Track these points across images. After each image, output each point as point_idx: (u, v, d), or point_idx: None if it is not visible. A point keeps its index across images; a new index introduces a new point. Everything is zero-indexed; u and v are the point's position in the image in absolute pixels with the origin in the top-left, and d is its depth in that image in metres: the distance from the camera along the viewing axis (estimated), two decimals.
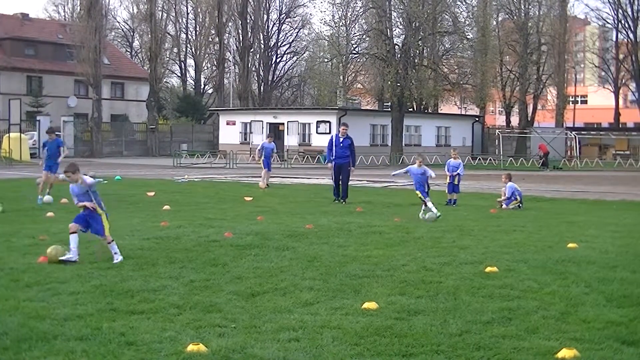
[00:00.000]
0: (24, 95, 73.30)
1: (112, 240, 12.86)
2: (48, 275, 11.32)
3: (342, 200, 24.79)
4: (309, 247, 14.40)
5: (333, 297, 10.15)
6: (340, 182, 25.11)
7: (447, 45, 76.92)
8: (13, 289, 10.42)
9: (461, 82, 78.85)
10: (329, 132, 57.80)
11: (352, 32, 77.68)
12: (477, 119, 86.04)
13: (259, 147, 33.70)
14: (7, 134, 60.99)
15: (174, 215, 20.31)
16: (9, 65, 78.23)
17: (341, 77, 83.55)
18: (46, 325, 8.47)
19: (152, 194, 27.21)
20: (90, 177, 12.96)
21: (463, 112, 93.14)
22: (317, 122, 67.21)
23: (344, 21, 76.23)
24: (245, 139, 71.57)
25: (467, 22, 76.42)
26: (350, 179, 25.73)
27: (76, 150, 67.76)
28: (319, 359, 7.44)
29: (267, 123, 69.69)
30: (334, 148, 25.07)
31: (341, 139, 25.09)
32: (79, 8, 74.59)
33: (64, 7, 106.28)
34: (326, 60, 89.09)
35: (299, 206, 23.55)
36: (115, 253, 12.69)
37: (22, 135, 60.19)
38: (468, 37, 76.19)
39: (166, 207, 22.43)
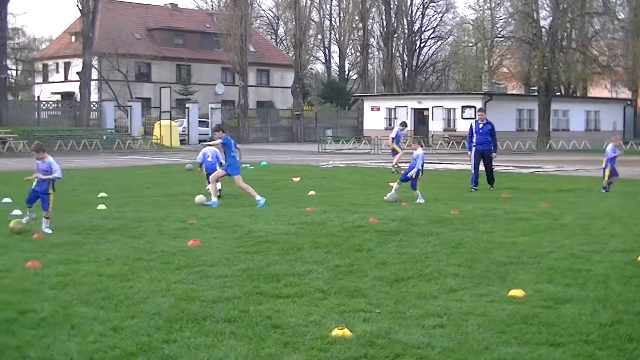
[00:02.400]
0: (174, 84, 75.34)
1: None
2: (197, 258, 11.62)
3: (489, 187, 24.29)
4: (453, 233, 14.26)
5: (478, 283, 10.04)
6: (479, 170, 24.51)
7: (596, 27, 74.57)
8: (164, 271, 10.75)
9: (611, 65, 76.30)
10: (475, 118, 57.00)
11: (497, 16, 76.50)
12: (629, 102, 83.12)
13: (393, 135, 33.77)
14: (159, 121, 62.86)
15: (319, 200, 20.48)
16: (160, 55, 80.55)
17: (486, 62, 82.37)
18: (196, 306, 8.70)
19: (297, 179, 27.53)
20: None
21: (614, 96, 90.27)
22: (462, 107, 66.41)
23: (488, 4, 75.13)
24: (390, 125, 71.51)
25: (619, 2, 73.88)
26: (493, 164, 25.19)
27: None
28: (464, 345, 7.36)
29: (411, 108, 69.31)
30: (474, 135, 24.57)
31: (481, 125, 24.54)
32: None
33: None
34: (471, 44, 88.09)
35: (443, 192, 23.36)
36: (46, 227, 14.60)
37: (172, 122, 61.90)
38: (619, 17, 73.67)
39: (311, 192, 22.64)
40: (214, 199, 19.80)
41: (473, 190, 23.71)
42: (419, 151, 20.76)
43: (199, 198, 20.24)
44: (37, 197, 14.87)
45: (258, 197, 19.57)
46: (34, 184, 14.89)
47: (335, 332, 7.60)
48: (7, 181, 26.57)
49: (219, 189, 21.09)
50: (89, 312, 8.46)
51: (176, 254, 11.95)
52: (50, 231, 14.47)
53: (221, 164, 22.47)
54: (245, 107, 74.05)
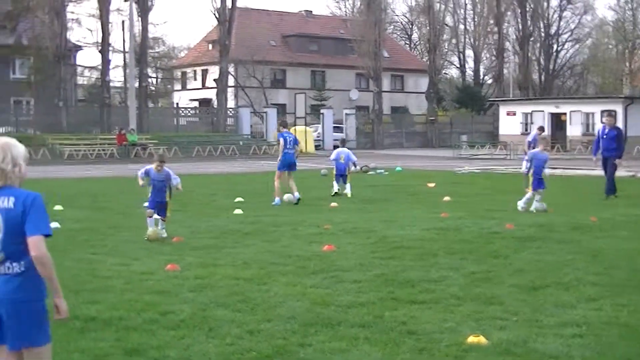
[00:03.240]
0: (309, 90, 76.03)
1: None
2: (332, 263, 11.68)
3: (605, 196, 22.28)
4: (592, 240, 13.90)
5: (619, 293, 9.73)
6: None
7: None
8: (300, 275, 10.85)
9: None
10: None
11: (639, 17, 74.03)
12: None
13: (530, 139, 32.96)
14: (293, 127, 63.59)
15: (454, 206, 20.30)
16: (295, 61, 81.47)
17: (627, 64, 79.96)
18: (331, 311, 8.75)
19: (432, 185, 27.37)
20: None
21: None
22: (602, 111, 64.58)
23: (630, 5, 72.87)
24: (526, 130, 70.23)
25: None
26: (615, 172, 23.36)
27: (358, 143, 69.41)
28: (604, 356, 7.16)
29: (548, 113, 67.93)
30: (600, 140, 23.17)
31: (606, 130, 23.02)
32: (359, 3, 76.17)
33: (345, 2, 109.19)
34: (611, 46, 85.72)
35: (581, 198, 22.79)
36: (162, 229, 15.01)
37: (307, 128, 62.50)
38: None
39: (446, 198, 22.46)
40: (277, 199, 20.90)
41: (611, 197, 22.46)
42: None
43: (287, 196, 21.10)
44: (159, 205, 15.02)
45: (277, 199, 20.79)
46: (151, 193, 15.05)
47: (471, 339, 7.52)
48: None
49: (337, 191, 22.84)
50: (226, 315, 8.62)
51: (311, 259, 12.05)
52: (165, 234, 14.90)
53: (354, 164, 23.02)
54: (379, 113, 74.08)
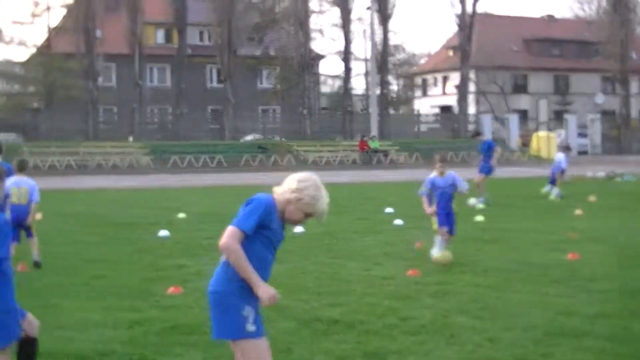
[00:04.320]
0: (551, 94, 74.31)
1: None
2: (575, 272, 11.35)
3: None
4: None
5: None
6: None
7: None
8: (541, 284, 10.62)
9: None
10: None
11: None
12: None
13: None
14: (536, 133, 62.33)
15: None
16: (536, 66, 79.86)
17: None
18: (574, 321, 8.50)
19: None
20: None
21: None
22: None
23: None
24: None
25: None
26: None
27: (604, 148, 67.10)
28: None
29: None
30: None
31: None
32: (605, 3, 73.53)
33: (590, 4, 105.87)
34: None
35: None
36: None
37: (549, 133, 61.08)
38: None
39: None
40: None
41: None
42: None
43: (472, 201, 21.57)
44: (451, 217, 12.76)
45: (481, 199, 21.77)
46: (437, 205, 12.62)
47: None
48: (392, 192, 27.53)
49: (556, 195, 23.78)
50: (466, 322, 8.57)
51: (553, 267, 11.76)
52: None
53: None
54: (627, 117, 71.19)
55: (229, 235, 5.12)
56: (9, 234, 5.39)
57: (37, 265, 12.12)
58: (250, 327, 5.19)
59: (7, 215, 10.91)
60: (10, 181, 11.60)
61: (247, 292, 5.17)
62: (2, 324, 5.24)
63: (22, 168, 12.37)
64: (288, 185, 5.41)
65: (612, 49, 69.32)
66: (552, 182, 24.76)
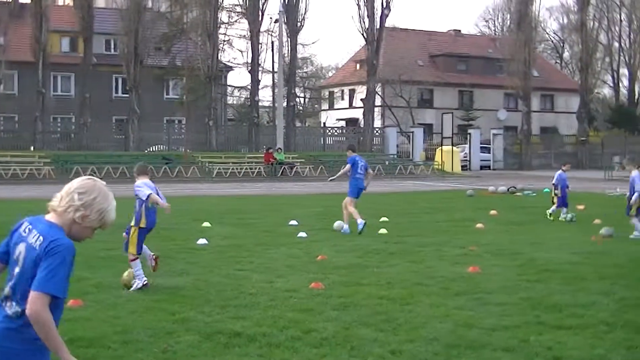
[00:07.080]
0: (456, 109, 75.52)
1: (135, 259, 11.31)
2: (476, 285, 11.51)
3: None
4: None
5: None
6: None
7: None
8: (444, 296, 10.74)
9: None
10: None
11: None
12: None
13: None
14: (440, 147, 63.24)
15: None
16: (442, 81, 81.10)
17: None
18: (474, 333, 8.61)
19: (581, 207, 26.62)
20: None
21: None
22: None
23: None
24: None
25: None
26: None
27: (505, 163, 68.52)
28: None
29: None
30: None
31: None
32: (509, 22, 75.16)
33: (494, 21, 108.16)
34: None
35: None
36: (137, 276, 10.98)
37: (454, 148, 62.04)
38: None
39: (597, 220, 21.79)
40: (345, 226, 19.09)
41: None
42: (634, 173, 18.47)
43: (337, 224, 19.45)
44: None
45: (345, 227, 18.92)
46: None
47: None
48: (297, 205, 27.56)
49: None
50: (368, 334, 8.60)
51: (455, 280, 11.91)
52: None
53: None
54: (528, 133, 72.78)
55: (42, 304, 4.18)
56: None
57: None
58: None
59: None
60: None
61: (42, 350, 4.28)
62: None
63: None
64: (68, 202, 4.50)
65: (516, 66, 70.83)
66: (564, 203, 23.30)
